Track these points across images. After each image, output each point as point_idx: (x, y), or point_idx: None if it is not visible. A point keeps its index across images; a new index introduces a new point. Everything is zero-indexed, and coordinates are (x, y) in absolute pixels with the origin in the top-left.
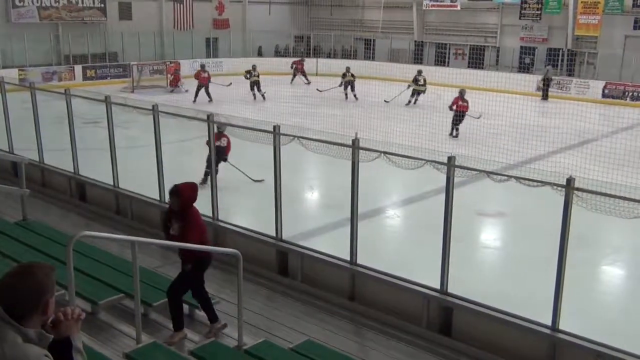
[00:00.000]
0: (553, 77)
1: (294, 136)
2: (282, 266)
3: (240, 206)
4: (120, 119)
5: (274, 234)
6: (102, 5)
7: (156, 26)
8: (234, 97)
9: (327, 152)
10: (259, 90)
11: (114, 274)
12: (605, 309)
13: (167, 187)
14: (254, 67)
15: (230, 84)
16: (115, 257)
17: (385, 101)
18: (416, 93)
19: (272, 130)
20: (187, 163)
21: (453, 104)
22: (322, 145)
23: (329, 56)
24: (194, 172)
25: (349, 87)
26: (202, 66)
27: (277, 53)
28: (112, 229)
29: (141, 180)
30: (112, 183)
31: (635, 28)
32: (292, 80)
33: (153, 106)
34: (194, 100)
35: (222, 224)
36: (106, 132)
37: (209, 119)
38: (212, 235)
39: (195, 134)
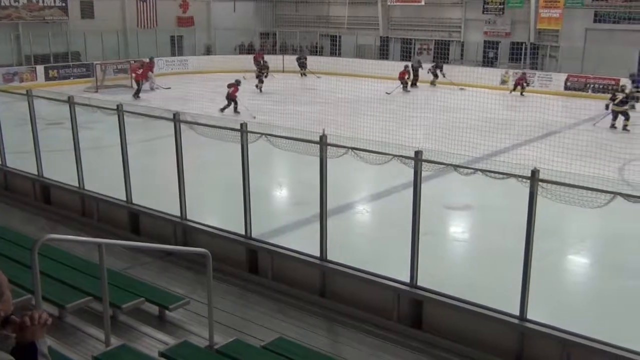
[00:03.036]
0: (423, 66)
1: (261, 133)
2: (252, 264)
3: (209, 205)
4: (85, 119)
5: (243, 233)
6: (64, 4)
7: (119, 24)
8: (200, 95)
9: (295, 149)
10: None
11: (81, 276)
12: (571, 297)
13: (134, 187)
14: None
15: (244, 76)
16: (82, 260)
17: (386, 93)
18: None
19: (239, 128)
20: (154, 163)
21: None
22: (289, 142)
23: (294, 53)
24: (161, 172)
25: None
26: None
27: (242, 50)
28: (79, 232)
29: (107, 181)
30: (77, 185)
31: (595, 21)
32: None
33: (118, 106)
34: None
35: (190, 223)
36: (70, 133)
37: (175, 118)
38: (181, 235)
39: (161, 133)
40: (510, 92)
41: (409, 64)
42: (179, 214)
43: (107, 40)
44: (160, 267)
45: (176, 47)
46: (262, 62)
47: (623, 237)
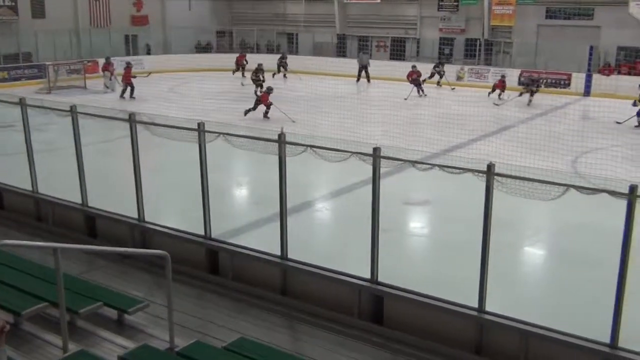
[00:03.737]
0: (369, 64)
1: (219, 133)
2: (212, 265)
3: (168, 206)
4: (37, 121)
5: (203, 233)
6: (13, 3)
7: (72, 24)
8: (157, 95)
9: (254, 148)
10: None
11: (36, 282)
12: (529, 288)
13: (90, 190)
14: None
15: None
16: (37, 265)
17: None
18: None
19: (196, 127)
20: (110, 164)
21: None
22: (248, 141)
23: (252, 51)
24: (118, 174)
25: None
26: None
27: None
28: (33, 236)
29: (62, 184)
30: (31, 189)
31: (547, 17)
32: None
33: (71, 107)
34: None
35: (148, 225)
36: (22, 135)
37: (131, 118)
38: (139, 238)
39: (117, 134)
40: (489, 94)
41: (416, 63)
42: (136, 216)
43: (59, 40)
44: (118, 271)
45: (130, 46)
46: (246, 63)
47: (576, 228)
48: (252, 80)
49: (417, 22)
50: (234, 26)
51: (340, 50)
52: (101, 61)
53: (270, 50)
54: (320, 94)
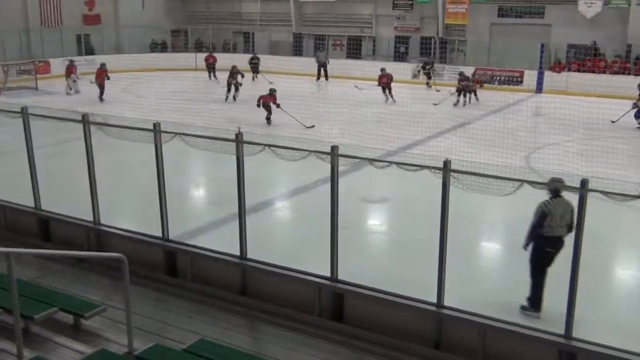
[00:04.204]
0: (328, 61)
1: (175, 133)
2: (170, 267)
3: (124, 208)
4: None
5: (160, 235)
6: None
7: (21, 23)
8: (112, 95)
9: (211, 148)
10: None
11: None
12: (486, 282)
13: (42, 193)
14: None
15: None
16: None
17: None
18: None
19: (152, 128)
20: (63, 167)
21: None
22: (205, 141)
23: (208, 50)
24: (72, 176)
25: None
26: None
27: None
28: None
29: (13, 188)
30: None
31: (499, 16)
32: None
33: (22, 109)
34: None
35: (104, 227)
36: None
37: (84, 119)
38: (94, 240)
39: (70, 135)
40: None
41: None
42: (91, 219)
43: (8, 40)
44: (73, 275)
45: (83, 46)
46: (215, 63)
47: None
48: (227, 82)
49: (373, 21)
50: (188, 25)
51: (297, 49)
52: (53, 61)
53: (226, 49)
54: (283, 93)
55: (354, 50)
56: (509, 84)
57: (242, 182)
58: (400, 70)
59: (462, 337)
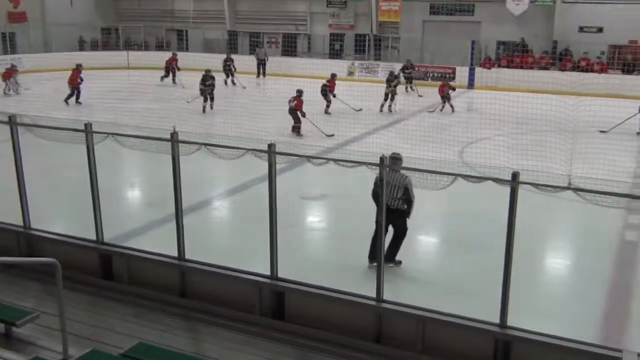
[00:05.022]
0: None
1: (108, 133)
2: (106, 270)
3: (56, 211)
4: None
5: (94, 238)
6: None
7: None
8: (41, 96)
9: (146, 148)
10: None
11: None
12: (424, 275)
13: None
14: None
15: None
16: None
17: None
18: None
19: (83, 128)
20: None
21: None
22: (139, 141)
23: (140, 48)
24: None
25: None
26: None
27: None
28: None
29: None
30: None
31: (431, 13)
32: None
33: None
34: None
35: (35, 232)
36: None
37: (11, 120)
38: (25, 246)
39: None
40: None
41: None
42: (21, 223)
43: None
44: (4, 281)
45: (8, 44)
46: (177, 67)
47: (466, 215)
48: (201, 90)
49: (308, 18)
50: (119, 23)
51: (232, 47)
52: None
53: (159, 47)
54: (218, 91)
55: (290, 47)
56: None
57: (179, 182)
58: (336, 68)
59: (401, 330)
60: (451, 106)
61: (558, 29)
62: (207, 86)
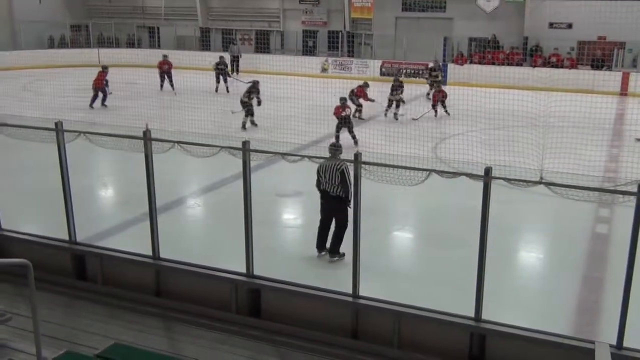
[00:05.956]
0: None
1: (80, 132)
2: (79, 271)
3: (27, 212)
4: None
5: (67, 238)
6: None
7: None
8: (10, 94)
9: (119, 147)
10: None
11: None
12: (400, 271)
13: None
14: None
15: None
16: None
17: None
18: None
19: (54, 127)
20: None
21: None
22: (112, 139)
23: (111, 46)
24: None
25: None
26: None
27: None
28: None
29: None
30: None
31: (403, 10)
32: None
33: None
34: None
35: (6, 233)
36: None
37: None
38: None
39: None
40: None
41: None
42: None
43: None
44: None
45: None
46: (170, 70)
47: (439, 211)
48: (242, 104)
49: (280, 15)
50: (89, 19)
51: (204, 44)
52: None
53: (130, 44)
54: (192, 88)
55: (263, 44)
56: (415, 77)
57: (152, 180)
58: (309, 65)
59: (378, 325)
60: (436, 111)
61: (529, 25)
62: (249, 99)
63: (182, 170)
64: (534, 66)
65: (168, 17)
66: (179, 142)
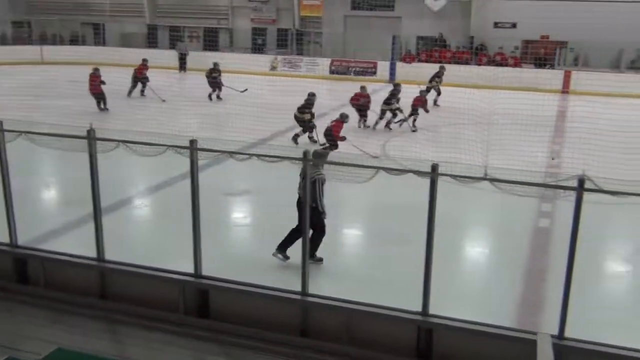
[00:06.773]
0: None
1: (20, 132)
2: (20, 274)
3: None
4: None
5: (7, 241)
6: None
7: None
8: None
9: (62, 147)
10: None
11: None
12: (348, 268)
13: None
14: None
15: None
16: None
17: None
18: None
19: None
20: None
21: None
22: (54, 139)
23: (55, 43)
24: None
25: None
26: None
27: None
28: None
29: None
30: None
31: (353, 8)
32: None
33: None
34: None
35: None
36: None
37: None
38: None
39: None
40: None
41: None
42: None
43: None
44: None
45: None
46: (146, 75)
47: (387, 208)
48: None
49: (229, 12)
50: (32, 16)
51: (152, 41)
52: None
53: (73, 41)
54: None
55: (211, 42)
56: (363, 75)
57: (97, 180)
58: (259, 62)
59: (327, 323)
60: (414, 120)
61: (474, 24)
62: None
63: (128, 170)
64: (480, 64)
65: (114, 13)
66: (123, 142)
